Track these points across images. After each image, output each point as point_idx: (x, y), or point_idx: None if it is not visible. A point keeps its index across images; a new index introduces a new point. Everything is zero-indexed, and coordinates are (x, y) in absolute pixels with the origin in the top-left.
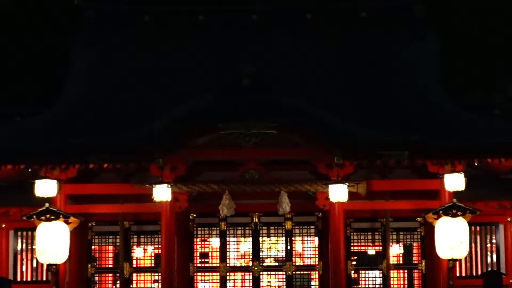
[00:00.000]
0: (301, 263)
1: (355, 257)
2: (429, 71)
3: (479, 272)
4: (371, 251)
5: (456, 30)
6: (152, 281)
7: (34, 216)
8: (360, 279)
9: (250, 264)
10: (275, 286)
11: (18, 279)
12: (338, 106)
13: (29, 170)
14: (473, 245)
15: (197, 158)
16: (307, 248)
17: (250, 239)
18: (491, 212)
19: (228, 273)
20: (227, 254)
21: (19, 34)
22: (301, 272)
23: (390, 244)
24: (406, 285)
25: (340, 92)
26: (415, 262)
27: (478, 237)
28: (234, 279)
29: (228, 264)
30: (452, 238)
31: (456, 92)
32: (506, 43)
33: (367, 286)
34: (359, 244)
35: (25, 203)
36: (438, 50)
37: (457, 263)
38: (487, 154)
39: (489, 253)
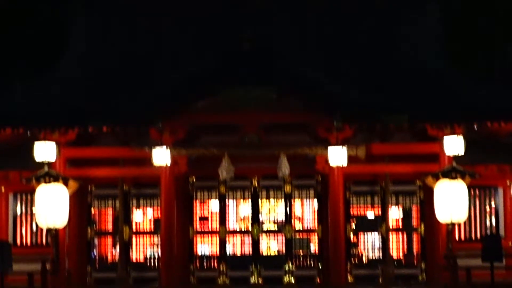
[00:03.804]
0: (301, 227)
1: (355, 220)
2: (429, 38)
3: (478, 235)
4: (370, 214)
5: None
6: (152, 244)
7: (34, 179)
8: (360, 242)
9: (250, 227)
10: (274, 250)
11: (18, 243)
12: (338, 71)
13: (28, 133)
14: (472, 208)
15: (197, 122)
16: (306, 211)
17: (250, 202)
18: (490, 176)
19: (227, 236)
20: (227, 218)
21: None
22: (301, 236)
23: (389, 207)
24: (405, 248)
25: (340, 58)
26: (414, 225)
27: (478, 201)
28: (233, 242)
29: (227, 228)
30: (451, 201)
31: (456, 58)
32: (506, 10)
33: (366, 249)
34: (359, 207)
35: (25, 166)
36: (438, 17)
37: (456, 226)
38: (487, 117)
39: (488, 216)
